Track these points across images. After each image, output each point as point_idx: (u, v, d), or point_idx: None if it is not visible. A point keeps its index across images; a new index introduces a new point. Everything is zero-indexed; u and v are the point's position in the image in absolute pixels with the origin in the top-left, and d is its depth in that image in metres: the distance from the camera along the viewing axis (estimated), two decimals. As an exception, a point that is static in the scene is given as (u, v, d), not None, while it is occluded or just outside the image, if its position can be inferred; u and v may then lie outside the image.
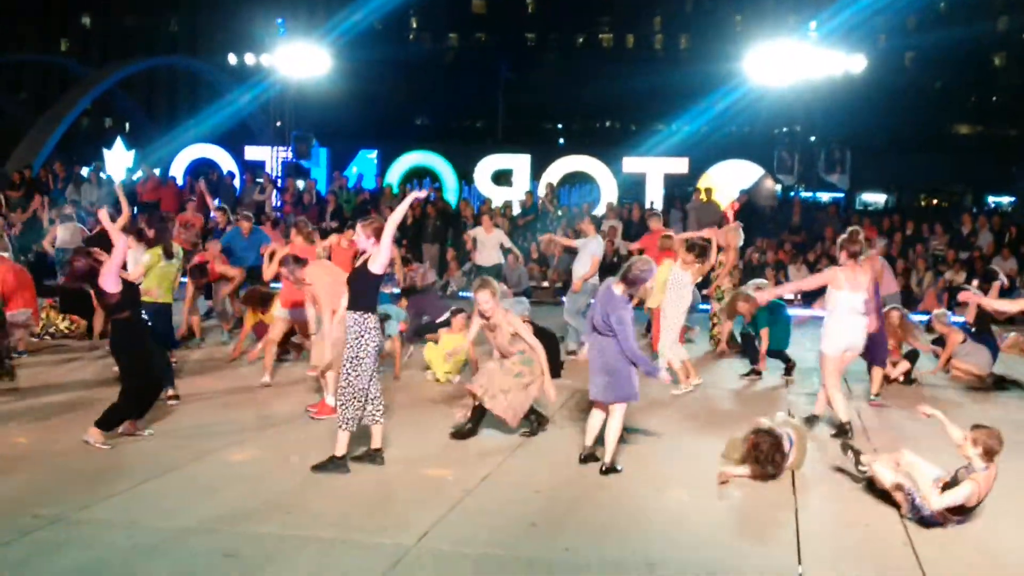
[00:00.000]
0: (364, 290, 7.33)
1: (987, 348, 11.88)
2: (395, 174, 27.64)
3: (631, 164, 26.31)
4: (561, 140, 50.58)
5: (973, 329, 12.11)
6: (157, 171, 27.10)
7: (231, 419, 9.08)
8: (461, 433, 8.52)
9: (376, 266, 7.30)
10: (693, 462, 7.97)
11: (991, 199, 34.32)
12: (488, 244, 16.93)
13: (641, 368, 7.50)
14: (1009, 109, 39.94)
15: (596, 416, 7.81)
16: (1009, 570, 5.84)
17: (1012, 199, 32.58)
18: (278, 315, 10.70)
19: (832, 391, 8.93)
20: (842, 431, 8.77)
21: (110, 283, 7.87)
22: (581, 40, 62.33)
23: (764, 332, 11.39)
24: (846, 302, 8.79)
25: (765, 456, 7.23)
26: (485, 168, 26.92)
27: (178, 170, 28.34)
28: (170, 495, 6.81)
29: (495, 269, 16.67)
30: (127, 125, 49.94)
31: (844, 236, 9.07)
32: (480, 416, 8.56)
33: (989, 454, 6.31)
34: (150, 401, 8.30)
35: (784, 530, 6.43)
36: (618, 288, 7.48)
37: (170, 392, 9.43)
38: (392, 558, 5.72)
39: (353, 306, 7.34)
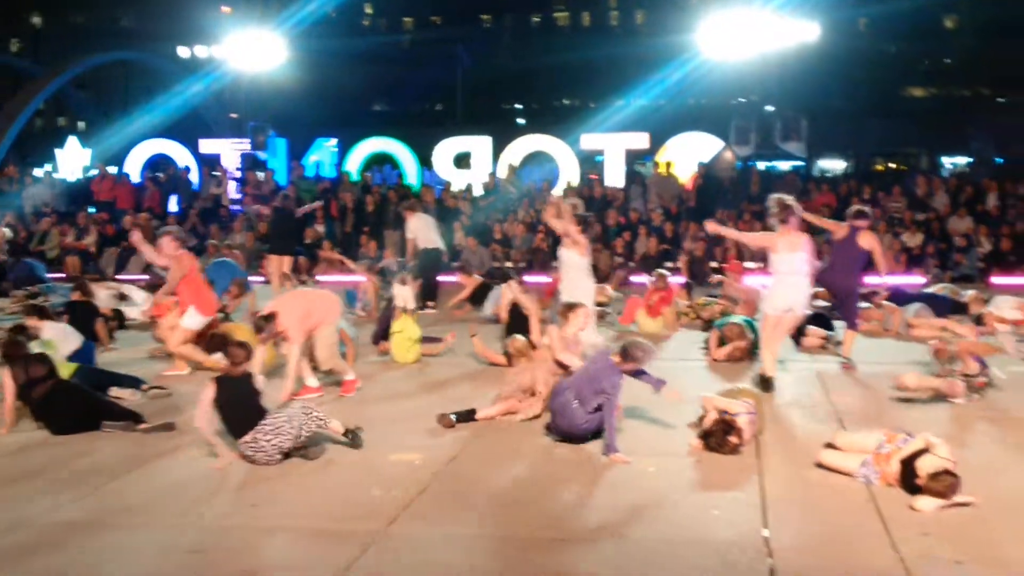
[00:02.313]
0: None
1: (927, 305, 12.88)
2: (354, 162, 27.51)
3: (590, 141, 26.30)
4: (521, 120, 50.47)
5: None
6: (113, 169, 26.88)
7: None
8: (448, 421, 8.39)
9: None
10: (659, 433, 8.04)
11: (946, 160, 34.64)
12: (429, 226, 16.58)
13: (605, 440, 7.37)
14: (962, 71, 40.33)
15: None
16: (968, 519, 5.94)
17: (968, 160, 32.91)
18: (186, 324, 10.50)
19: (764, 350, 9.48)
20: (764, 384, 9.22)
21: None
22: (537, 19, 62.14)
23: None
24: (785, 264, 9.23)
25: (718, 444, 7.34)
26: (445, 151, 26.84)
27: (133, 167, 28.08)
28: (136, 493, 6.77)
29: (435, 252, 16.42)
30: (81, 123, 49.34)
31: (770, 206, 9.50)
32: (467, 417, 8.49)
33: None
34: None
35: (749, 494, 6.50)
36: (615, 358, 7.58)
37: (144, 387, 9.65)
38: (362, 544, 5.72)
39: None
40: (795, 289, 9.26)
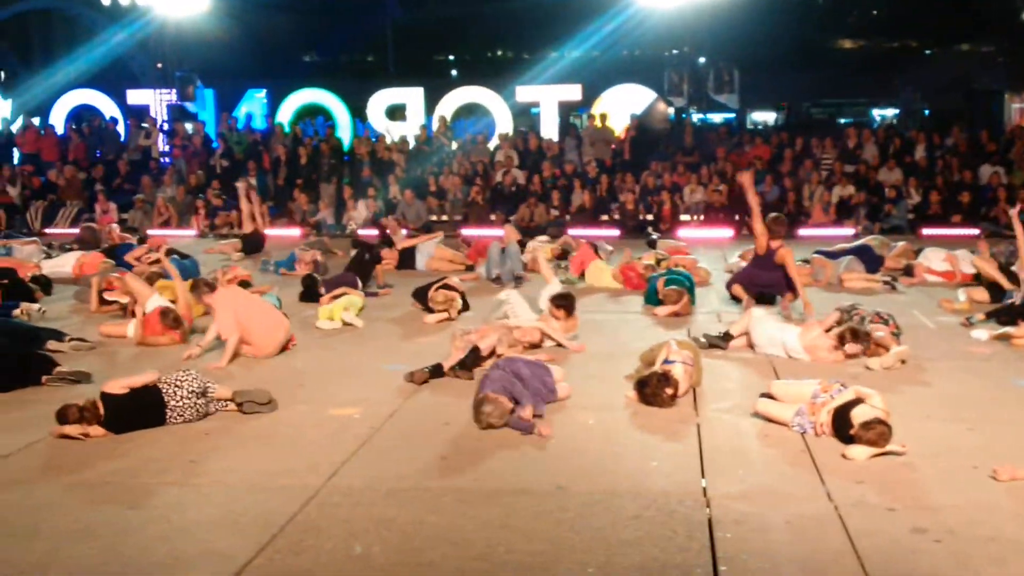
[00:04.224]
0: None
1: (858, 258, 13.15)
2: (286, 113, 27.06)
3: (524, 93, 26.24)
4: (454, 72, 50.01)
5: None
6: (36, 120, 26.15)
7: (129, 370, 8.88)
8: (422, 375, 8.26)
9: None
10: (597, 386, 8.09)
11: (876, 112, 35.07)
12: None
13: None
14: (889, 22, 40.71)
15: None
16: (899, 467, 6.08)
17: (896, 111, 33.36)
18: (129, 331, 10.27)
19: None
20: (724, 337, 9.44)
21: None
22: (469, -32, 61.36)
23: None
24: None
25: (653, 395, 7.35)
26: (378, 103, 26.56)
27: (58, 118, 27.35)
28: (70, 450, 6.64)
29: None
30: (1, 74, 47.82)
31: None
32: (437, 372, 8.36)
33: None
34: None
35: (687, 445, 6.58)
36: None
37: (67, 339, 9.59)
38: (302, 499, 5.68)
39: None
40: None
